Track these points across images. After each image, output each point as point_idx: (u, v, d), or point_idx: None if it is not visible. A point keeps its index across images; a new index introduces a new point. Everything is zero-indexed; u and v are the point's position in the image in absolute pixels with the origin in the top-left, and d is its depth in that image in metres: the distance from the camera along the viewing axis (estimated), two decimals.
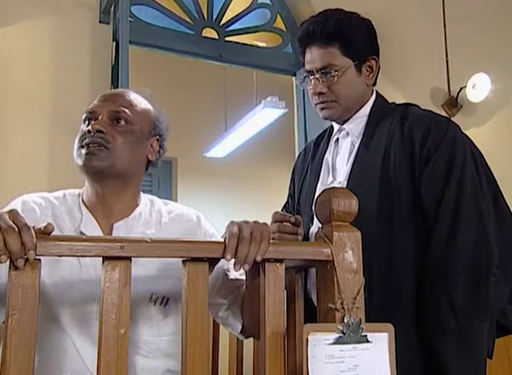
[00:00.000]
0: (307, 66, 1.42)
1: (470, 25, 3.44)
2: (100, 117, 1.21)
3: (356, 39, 1.38)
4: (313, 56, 1.39)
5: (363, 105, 1.43)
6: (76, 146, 1.21)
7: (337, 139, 1.47)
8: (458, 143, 1.30)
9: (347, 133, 1.44)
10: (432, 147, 1.28)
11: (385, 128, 1.37)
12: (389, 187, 1.29)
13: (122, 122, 1.21)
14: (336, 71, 1.36)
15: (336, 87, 1.38)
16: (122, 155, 1.19)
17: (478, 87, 3.26)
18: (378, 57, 1.44)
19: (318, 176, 1.46)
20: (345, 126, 1.44)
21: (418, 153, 1.29)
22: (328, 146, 1.50)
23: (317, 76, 1.39)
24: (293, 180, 1.62)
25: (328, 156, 1.47)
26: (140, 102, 1.28)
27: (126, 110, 1.22)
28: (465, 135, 1.35)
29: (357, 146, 1.39)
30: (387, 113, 1.41)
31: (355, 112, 1.43)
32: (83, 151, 1.17)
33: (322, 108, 1.42)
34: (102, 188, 1.21)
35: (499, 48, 3.49)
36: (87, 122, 1.22)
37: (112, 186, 1.21)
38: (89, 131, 1.18)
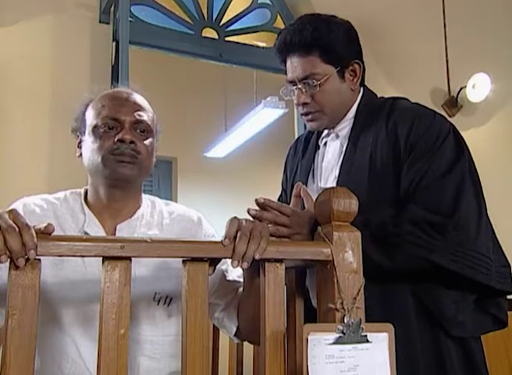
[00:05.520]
0: (289, 76, 1.39)
1: (470, 25, 3.44)
2: (126, 126, 1.20)
3: (336, 45, 1.33)
4: (293, 66, 1.36)
5: (350, 109, 1.40)
6: (102, 152, 1.18)
7: (325, 142, 1.45)
8: (443, 134, 1.27)
9: (336, 136, 1.41)
10: (414, 139, 1.26)
11: (372, 126, 1.34)
12: (378, 186, 1.27)
13: (144, 132, 1.23)
14: (318, 80, 1.33)
15: (319, 96, 1.34)
16: (147, 166, 1.23)
17: (478, 87, 3.26)
18: (362, 60, 1.40)
19: (307, 178, 1.44)
20: (333, 128, 1.42)
21: (403, 150, 1.27)
22: (317, 148, 1.48)
23: (299, 86, 1.36)
24: (285, 173, 1.60)
25: (317, 159, 1.45)
26: (149, 107, 1.29)
27: (145, 119, 1.24)
28: (458, 132, 1.32)
29: (344, 148, 1.37)
30: (374, 110, 1.38)
31: (343, 116, 1.40)
32: (117, 158, 1.17)
33: (309, 121, 1.39)
34: (115, 193, 1.22)
35: (499, 48, 3.49)
36: (110, 129, 1.20)
37: (125, 192, 1.23)
38: (122, 141, 1.18)
